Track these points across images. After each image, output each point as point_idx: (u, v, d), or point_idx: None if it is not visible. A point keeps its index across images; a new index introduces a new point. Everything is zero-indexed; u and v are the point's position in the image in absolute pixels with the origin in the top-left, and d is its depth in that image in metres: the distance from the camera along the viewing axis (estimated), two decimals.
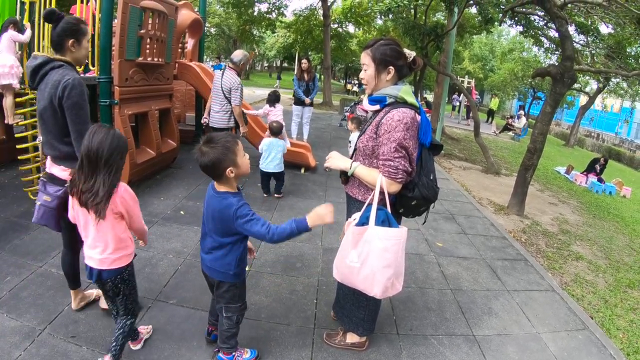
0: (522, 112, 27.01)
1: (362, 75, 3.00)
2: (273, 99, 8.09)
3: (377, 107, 2.94)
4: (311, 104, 11.00)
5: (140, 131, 7.70)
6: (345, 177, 3.20)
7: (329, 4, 28.66)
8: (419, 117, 2.83)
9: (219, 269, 2.97)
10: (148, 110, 7.50)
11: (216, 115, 7.25)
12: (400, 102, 2.85)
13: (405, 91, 2.87)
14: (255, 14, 30.58)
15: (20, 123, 6.65)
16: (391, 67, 2.86)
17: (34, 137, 6.33)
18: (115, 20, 6.58)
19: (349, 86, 54.42)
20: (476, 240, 6.49)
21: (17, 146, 6.45)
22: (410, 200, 2.94)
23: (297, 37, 36.55)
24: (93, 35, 7.35)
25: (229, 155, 2.79)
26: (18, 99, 6.38)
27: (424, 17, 16.00)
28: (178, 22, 8.56)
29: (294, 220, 2.87)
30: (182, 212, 6.43)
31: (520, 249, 6.42)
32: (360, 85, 15.48)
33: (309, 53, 43.85)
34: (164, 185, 7.70)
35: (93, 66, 7.37)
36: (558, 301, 4.97)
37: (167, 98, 8.40)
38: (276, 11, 30.65)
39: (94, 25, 7.27)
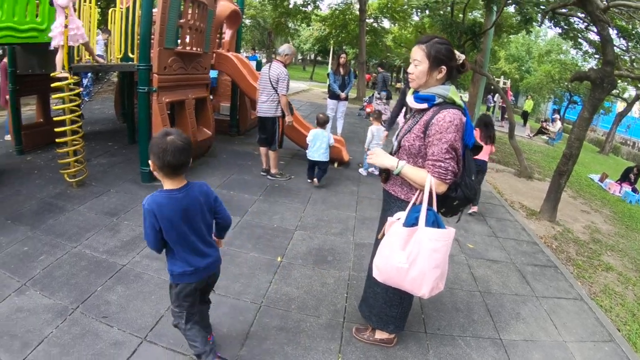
0: (557, 116, 26.49)
1: (411, 70, 2.93)
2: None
3: (425, 105, 2.91)
4: (346, 99, 11.01)
5: (176, 119, 7.84)
6: (386, 175, 3.20)
7: None
8: (464, 118, 2.82)
9: (219, 258, 3.12)
10: (185, 99, 7.62)
11: (264, 105, 7.40)
12: (449, 103, 2.84)
13: (453, 92, 2.85)
14: (291, 6, 30.57)
15: (56, 107, 6.81)
16: (444, 66, 2.83)
17: (72, 122, 6.46)
18: (155, 9, 6.71)
19: (398, 84, 54.27)
20: (507, 244, 6.42)
21: (55, 129, 6.58)
22: (453, 201, 2.92)
23: (332, 31, 36.43)
24: (133, 24, 7.52)
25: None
26: (56, 84, 6.45)
27: (460, 15, 15.77)
28: (217, 13, 8.66)
29: None
30: None
31: (551, 255, 6.32)
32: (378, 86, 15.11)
33: (344, 47, 43.74)
34: (199, 173, 7.77)
35: (132, 53, 7.51)
36: (586, 311, 4.88)
37: (204, 87, 8.49)
38: (312, 4, 30.58)
39: (134, 13, 7.40)
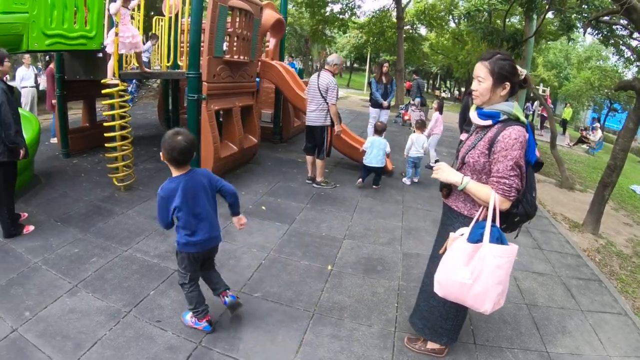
0: (597, 124, 25.92)
1: (475, 86, 2.91)
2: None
3: (489, 122, 2.89)
4: (388, 107, 10.96)
5: (224, 126, 7.93)
6: (448, 190, 3.19)
7: (402, 5, 28.32)
8: (527, 135, 2.79)
9: (220, 234, 3.69)
10: (232, 107, 7.72)
11: (312, 114, 7.42)
12: (513, 119, 2.82)
13: (517, 108, 2.82)
14: (328, 14, 30.64)
15: (106, 113, 6.96)
16: (507, 82, 2.80)
17: (122, 127, 6.60)
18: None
19: (437, 92, 53.92)
20: (551, 257, 6.31)
21: (105, 134, 6.71)
22: (514, 217, 2.89)
23: (370, 38, 36.35)
24: (183, 31, 7.65)
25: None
26: (107, 90, 6.61)
27: (498, 22, 15.62)
28: (262, 22, 8.74)
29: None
30: (263, 208, 6.55)
31: (595, 268, 6.17)
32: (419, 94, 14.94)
33: (381, 55, 43.59)
34: (244, 180, 7.85)
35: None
36: (630, 326, 4.75)
37: (250, 95, 8.58)
38: (349, 12, 30.59)
39: (176, 21, 7.53)
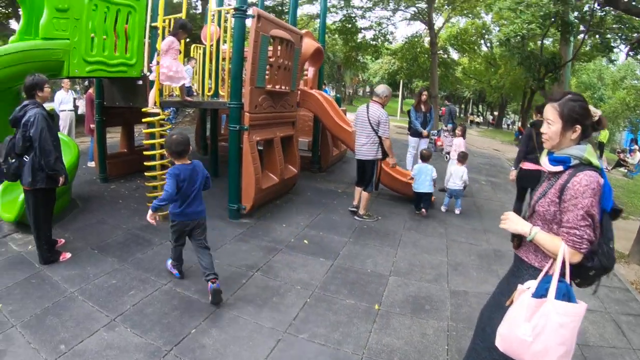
0: (636, 146, 25.22)
1: (544, 129, 2.75)
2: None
3: (560, 168, 2.73)
4: (428, 136, 10.72)
5: (265, 157, 7.83)
6: (519, 240, 3.01)
7: (435, 30, 28.27)
8: (601, 181, 2.61)
9: (204, 212, 4.81)
10: (274, 137, 7.64)
11: (363, 148, 7.24)
12: (585, 164, 2.65)
13: (589, 152, 2.65)
14: (360, 40, 30.73)
15: (146, 142, 6.90)
16: (578, 125, 2.64)
17: (162, 156, 6.56)
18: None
19: (471, 117, 53.58)
20: (599, 291, 6.03)
21: (145, 163, 6.75)
22: (589, 270, 2.68)
23: (403, 64, 36.29)
24: (223, 58, 7.64)
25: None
26: (148, 119, 6.65)
27: (531, 44, 15.38)
28: (302, 51, 8.69)
29: None
30: (305, 242, 6.36)
31: None
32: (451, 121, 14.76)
33: (413, 80, 43.53)
34: (285, 211, 7.72)
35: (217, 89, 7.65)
36: None
37: (291, 125, 8.53)
38: (382, 38, 30.64)
39: (217, 50, 7.51)
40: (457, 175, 8.13)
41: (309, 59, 10.01)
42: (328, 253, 5.97)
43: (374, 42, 30.66)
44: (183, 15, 7.20)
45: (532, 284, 2.71)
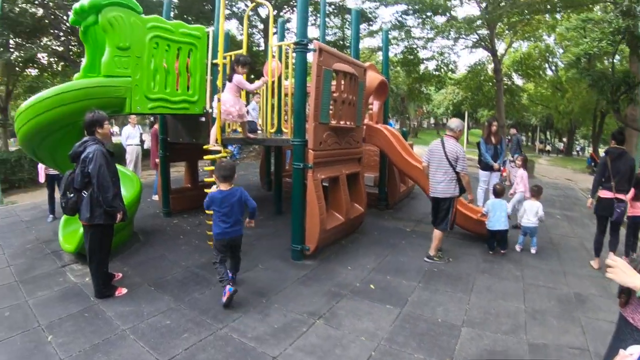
0: None
1: None
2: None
3: None
4: (499, 169, 10.11)
5: (330, 195, 7.52)
6: (627, 296, 2.57)
7: (499, 57, 27.59)
8: None
9: (241, 232, 5.47)
10: (339, 175, 7.36)
11: (440, 185, 6.90)
12: None
13: None
14: (423, 71, 30.42)
15: (208, 180, 6.87)
16: None
17: None
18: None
19: (540, 145, 52.13)
20: None
21: None
22: None
23: (467, 93, 35.64)
24: (286, 94, 7.55)
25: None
26: (209, 157, 6.63)
27: (598, 64, 14.66)
28: (366, 84, 8.44)
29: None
30: (372, 286, 5.95)
31: None
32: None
33: (478, 110, 42.73)
34: (350, 252, 7.30)
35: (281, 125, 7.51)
36: None
37: (357, 162, 8.26)
38: (445, 67, 30.25)
39: (279, 85, 7.39)
40: (531, 211, 7.59)
41: (374, 92, 9.70)
42: (396, 299, 5.55)
43: (437, 72, 30.32)
44: (244, 51, 7.16)
45: (634, 350, 2.30)
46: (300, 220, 6.62)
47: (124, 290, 5.37)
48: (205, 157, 6.36)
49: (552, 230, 9.27)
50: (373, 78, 9.16)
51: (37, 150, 6.56)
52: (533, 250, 7.66)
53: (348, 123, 7.32)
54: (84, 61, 6.88)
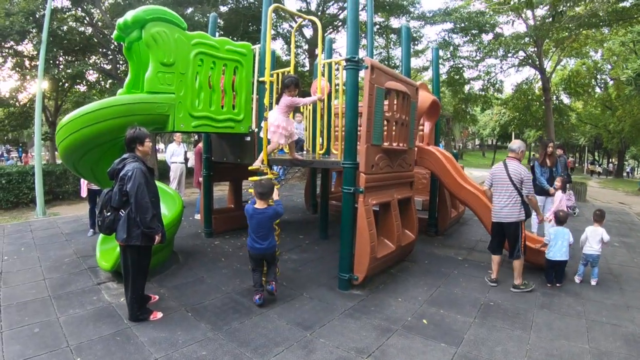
0: None
1: None
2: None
3: None
4: (553, 194, 9.50)
5: (380, 221, 7.09)
6: None
7: (547, 75, 26.82)
8: None
9: (273, 248, 5.63)
10: (391, 200, 6.94)
11: (505, 209, 6.62)
12: None
13: None
14: (470, 91, 29.95)
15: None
16: None
17: None
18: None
19: (591, 167, 50.98)
20: None
21: None
22: None
23: (514, 114, 34.87)
24: (335, 115, 7.32)
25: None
26: (254, 178, 6.22)
27: None
28: (418, 104, 8.06)
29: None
30: (424, 321, 5.50)
31: None
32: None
33: (525, 130, 41.85)
34: (401, 282, 6.85)
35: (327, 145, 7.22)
36: None
37: (408, 186, 7.85)
38: (492, 87, 29.70)
39: (329, 105, 7.07)
40: (594, 238, 7.03)
41: (425, 112, 9.27)
42: (450, 337, 5.09)
43: (483, 92, 29.83)
44: (291, 69, 6.90)
45: None
46: (349, 247, 6.24)
47: (159, 315, 5.17)
48: (250, 178, 6.08)
49: (610, 260, 8.61)
50: (425, 98, 8.75)
51: (78, 165, 6.48)
52: (593, 282, 7.10)
53: (401, 145, 6.94)
54: (128, 77, 6.75)
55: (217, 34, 8.63)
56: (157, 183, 7.46)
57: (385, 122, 6.53)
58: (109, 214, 4.83)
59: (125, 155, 4.90)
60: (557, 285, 6.98)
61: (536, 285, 6.86)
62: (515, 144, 6.83)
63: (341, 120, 6.51)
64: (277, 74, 6.91)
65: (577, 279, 7.23)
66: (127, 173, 4.67)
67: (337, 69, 7.16)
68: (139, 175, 4.65)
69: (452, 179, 8.35)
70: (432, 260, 8.12)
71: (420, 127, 9.76)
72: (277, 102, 6.18)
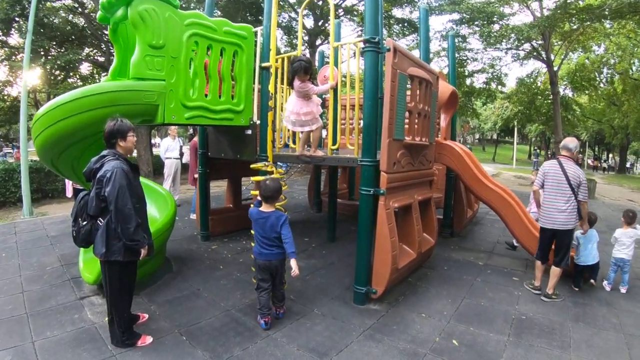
0: None
1: None
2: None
3: None
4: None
5: (399, 226, 6.09)
6: None
7: (555, 68, 26.15)
8: None
9: (281, 255, 4.85)
10: (412, 202, 6.15)
11: (562, 215, 5.98)
12: None
13: None
14: (471, 84, 29.35)
15: (254, 193, 5.89)
16: None
17: None
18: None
19: (595, 162, 50.60)
20: None
21: None
22: None
23: (518, 108, 34.24)
24: (344, 107, 6.63)
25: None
26: (257, 178, 5.87)
27: None
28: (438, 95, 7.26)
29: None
30: (455, 342, 4.76)
31: None
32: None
33: (526, 125, 41.32)
34: (421, 293, 6.09)
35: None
36: None
37: (428, 185, 7.07)
38: (496, 80, 29.11)
39: (335, 97, 6.23)
40: (622, 242, 6.54)
41: (444, 104, 8.43)
42: None
43: (487, 86, 29.29)
44: (298, 52, 6.12)
45: None
46: (367, 257, 5.45)
47: (149, 340, 4.42)
48: (253, 179, 5.35)
49: (635, 263, 7.88)
50: (444, 88, 7.91)
51: (57, 163, 5.76)
52: (623, 290, 6.50)
53: (423, 140, 6.16)
54: (114, 63, 6.01)
55: (214, 14, 7.75)
56: (147, 181, 6.79)
57: (408, 114, 5.76)
58: (84, 223, 4.05)
59: (104, 153, 4.11)
60: (592, 282, 6.62)
61: (565, 292, 6.30)
62: (572, 142, 6.20)
63: (357, 112, 5.69)
64: (283, 59, 6.14)
65: (607, 287, 6.64)
66: (106, 174, 3.87)
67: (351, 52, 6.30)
68: (119, 177, 3.85)
69: (474, 177, 7.58)
70: (451, 265, 7.39)
71: (437, 120, 8.97)
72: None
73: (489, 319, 5.38)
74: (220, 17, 19.52)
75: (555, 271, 6.06)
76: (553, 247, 6.25)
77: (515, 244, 8.29)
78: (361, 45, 5.33)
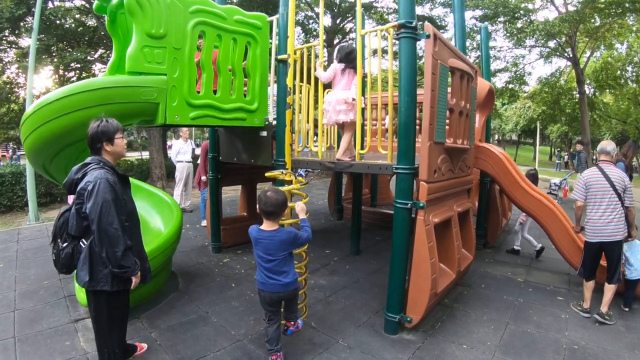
0: None
1: None
2: None
3: None
4: None
5: (437, 244, 5.13)
6: None
7: (581, 66, 25.27)
8: None
9: (294, 284, 3.95)
10: (452, 215, 5.35)
11: (610, 225, 5.42)
12: None
13: None
14: (494, 83, 28.55)
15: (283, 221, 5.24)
16: None
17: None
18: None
19: None
20: None
21: None
22: None
23: (541, 108, 33.33)
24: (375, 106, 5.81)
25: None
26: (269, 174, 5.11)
27: None
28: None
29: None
30: None
31: None
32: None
33: (548, 126, 40.57)
34: (459, 318, 5.31)
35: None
36: None
37: (466, 194, 6.27)
38: (519, 80, 28.43)
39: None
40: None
41: (481, 102, 7.46)
42: None
43: (511, 85, 28.45)
44: (320, 42, 5.38)
45: None
46: (401, 280, 4.66)
47: None
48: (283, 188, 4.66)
49: None
50: (482, 85, 6.99)
51: (49, 168, 5.24)
52: None
53: (465, 143, 5.41)
54: (112, 58, 5.41)
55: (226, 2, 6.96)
56: (150, 188, 6.25)
57: (449, 112, 5.01)
58: (65, 245, 3.32)
59: (87, 160, 3.39)
60: (625, 309, 5.77)
61: (614, 313, 5.57)
62: (609, 145, 5.69)
63: (391, 110, 4.83)
64: (302, 50, 5.42)
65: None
66: (87, 186, 3.15)
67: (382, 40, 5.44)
68: (103, 190, 3.12)
69: (514, 183, 6.78)
70: (488, 283, 6.62)
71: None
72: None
73: (539, 349, 4.63)
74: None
75: (609, 288, 5.47)
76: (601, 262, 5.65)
77: (516, 247, 8.03)
78: (393, 31, 4.56)
